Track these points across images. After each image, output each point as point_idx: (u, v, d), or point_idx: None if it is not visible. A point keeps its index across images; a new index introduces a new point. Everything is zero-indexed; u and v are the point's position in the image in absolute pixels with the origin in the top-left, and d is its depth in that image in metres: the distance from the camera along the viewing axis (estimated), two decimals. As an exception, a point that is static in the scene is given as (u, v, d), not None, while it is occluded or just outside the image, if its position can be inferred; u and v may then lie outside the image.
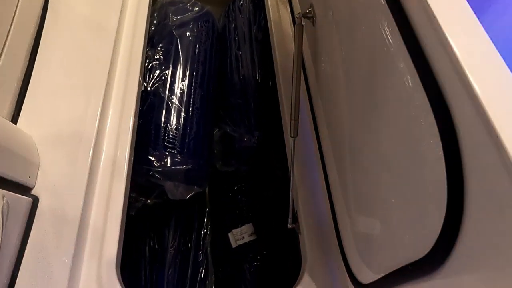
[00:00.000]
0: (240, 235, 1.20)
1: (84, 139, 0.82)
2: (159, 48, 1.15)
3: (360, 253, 0.61)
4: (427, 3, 0.34)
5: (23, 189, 0.71)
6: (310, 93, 0.92)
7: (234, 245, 1.19)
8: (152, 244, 1.13)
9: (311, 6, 0.82)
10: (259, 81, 1.20)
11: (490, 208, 0.29)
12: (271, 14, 1.22)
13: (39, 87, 0.86)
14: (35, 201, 0.72)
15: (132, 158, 0.90)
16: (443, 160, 0.31)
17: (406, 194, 0.41)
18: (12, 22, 0.84)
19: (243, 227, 1.21)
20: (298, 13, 0.80)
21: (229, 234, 1.21)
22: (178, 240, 1.14)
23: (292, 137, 0.84)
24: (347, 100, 0.72)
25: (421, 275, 0.37)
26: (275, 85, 1.14)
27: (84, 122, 0.84)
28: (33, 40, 0.92)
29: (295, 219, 0.88)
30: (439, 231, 0.32)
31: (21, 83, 0.86)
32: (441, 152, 0.31)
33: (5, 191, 0.62)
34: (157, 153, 0.98)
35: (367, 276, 0.57)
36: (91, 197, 0.79)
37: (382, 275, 0.48)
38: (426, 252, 0.36)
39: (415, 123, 0.39)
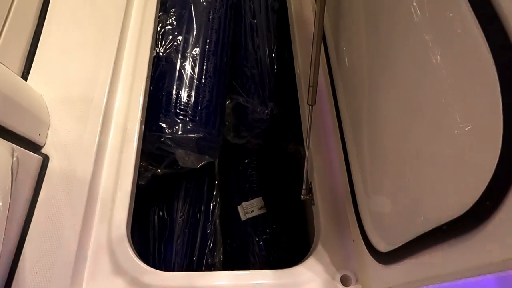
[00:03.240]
0: (250, 208, 1.19)
1: (95, 101, 0.80)
2: (172, 13, 1.11)
3: (382, 221, 0.58)
4: None
5: (33, 146, 0.69)
6: (329, 60, 0.88)
7: (243, 218, 1.18)
8: (161, 214, 1.12)
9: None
10: (274, 51, 1.16)
11: None
12: (289, -19, 1.16)
13: (49, 45, 0.83)
14: (45, 159, 0.71)
15: (143, 124, 0.88)
16: (498, 89, 0.28)
17: (445, 140, 0.38)
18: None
19: (253, 200, 1.20)
20: (322, -28, 0.75)
21: (239, 207, 1.19)
22: (187, 211, 1.13)
23: (309, 105, 0.81)
24: (368, 65, 0.68)
25: (458, 235, 0.35)
26: (291, 57, 1.10)
27: (95, 84, 0.82)
28: (43, -3, 0.89)
29: (309, 190, 0.85)
30: (488, 180, 0.29)
31: (31, 40, 0.83)
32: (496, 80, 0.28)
33: (15, 146, 0.61)
34: (168, 120, 0.95)
35: (387, 244, 0.55)
36: (101, 159, 0.77)
37: (408, 240, 0.46)
38: (467, 208, 0.33)
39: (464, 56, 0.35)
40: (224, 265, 1.13)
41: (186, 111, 0.98)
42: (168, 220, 1.11)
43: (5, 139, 0.58)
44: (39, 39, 0.84)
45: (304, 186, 0.85)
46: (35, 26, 0.85)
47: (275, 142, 1.20)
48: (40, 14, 0.87)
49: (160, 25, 1.09)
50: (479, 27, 0.32)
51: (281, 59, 1.14)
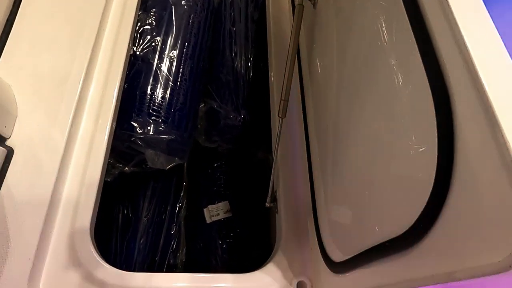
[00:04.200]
0: (215, 212, 1.21)
1: (66, 96, 0.79)
2: (152, 13, 1.11)
3: (336, 233, 0.63)
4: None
5: (-1, 140, 0.68)
6: (302, 75, 0.92)
7: (208, 220, 1.20)
8: (126, 212, 1.12)
9: (314, -13, 0.81)
10: (251, 60, 1.19)
11: (473, 193, 0.30)
12: (269, -7, 1.20)
13: (22, 36, 0.82)
14: (10, 152, 0.69)
15: (115, 122, 0.88)
16: (435, 139, 0.32)
17: (391, 172, 0.42)
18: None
19: (219, 204, 1.22)
20: (300, -7, 0.79)
21: (205, 209, 1.21)
22: (153, 211, 1.13)
23: (280, 117, 0.84)
24: (336, 84, 0.73)
25: (397, 251, 0.39)
26: (266, 67, 1.14)
27: (67, 78, 0.81)
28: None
29: (274, 199, 0.89)
30: (421, 209, 0.34)
31: (2, 28, 0.81)
32: (435, 131, 0.32)
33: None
34: (140, 119, 0.96)
35: (339, 254, 0.59)
36: (69, 155, 0.76)
37: (358, 252, 0.50)
38: (405, 229, 0.37)
39: (408, 100, 0.40)
40: (186, 266, 1.14)
41: (159, 112, 0.99)
42: (132, 219, 1.10)
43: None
44: (11, 28, 0.82)
45: (269, 194, 0.88)
46: (8, 14, 0.84)
47: (245, 148, 1.23)
48: (14, 3, 0.86)
49: (139, 24, 1.09)
50: (421, 60, 0.37)
51: (256, 69, 1.18)
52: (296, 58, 0.88)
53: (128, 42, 0.98)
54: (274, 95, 0.98)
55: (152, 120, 0.98)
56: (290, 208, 0.85)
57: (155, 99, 1.00)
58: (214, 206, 1.21)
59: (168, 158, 1.01)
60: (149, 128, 0.96)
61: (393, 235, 0.41)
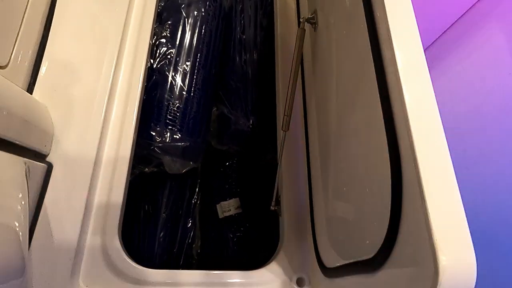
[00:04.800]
0: (227, 208, 1.32)
1: (94, 113, 0.90)
2: (167, 26, 1.19)
3: (327, 240, 0.72)
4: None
5: (39, 156, 0.80)
6: (305, 91, 1.00)
7: (221, 216, 1.31)
8: (146, 208, 1.24)
9: (315, 12, 0.87)
10: (260, 68, 1.27)
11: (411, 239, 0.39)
12: (278, 4, 1.26)
13: (53, 58, 0.92)
14: (50, 167, 0.81)
15: (136, 132, 0.98)
16: (389, 180, 0.41)
17: (363, 201, 0.51)
18: (31, -5, 0.88)
19: (231, 200, 1.33)
20: (302, 18, 0.86)
21: (217, 205, 1.32)
22: (171, 207, 1.25)
23: (283, 131, 0.93)
24: (332, 105, 0.80)
25: (366, 272, 0.49)
26: (274, 73, 1.22)
27: (94, 96, 0.91)
28: (47, 10, 0.96)
29: (278, 202, 0.99)
30: (382, 241, 0.43)
31: (36, 53, 0.91)
32: (388, 171, 0.41)
33: (26, 159, 0.71)
34: (158, 129, 1.06)
35: (329, 261, 0.69)
36: (98, 168, 0.88)
37: (341, 264, 0.60)
38: (372, 255, 0.47)
39: (372, 142, 0.49)
40: (201, 257, 1.27)
41: (174, 121, 1.09)
42: (153, 215, 1.23)
43: (18, 154, 0.69)
44: (43, 52, 0.92)
45: (273, 198, 0.98)
46: (40, 38, 0.94)
47: (254, 150, 1.32)
48: (45, 26, 0.95)
49: (155, 36, 1.18)
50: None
51: (265, 75, 1.25)
52: (300, 74, 0.95)
53: (145, 56, 1.07)
54: (280, 108, 1.06)
55: (168, 129, 1.08)
56: (291, 213, 0.95)
57: (171, 109, 1.10)
58: (226, 202, 1.32)
59: (184, 162, 1.12)
60: (166, 136, 1.07)
61: (365, 257, 0.50)
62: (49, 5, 0.96)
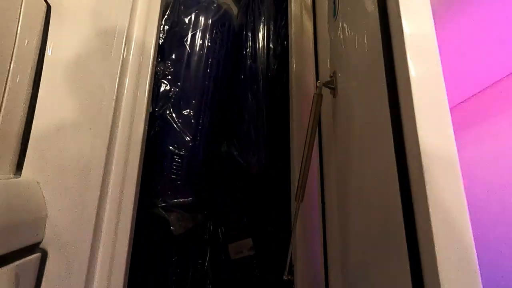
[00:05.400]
0: (239, 248, 1.26)
1: (91, 183, 0.82)
2: (169, 63, 1.08)
3: None
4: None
5: (32, 247, 0.74)
6: (322, 157, 0.88)
7: (233, 257, 1.26)
8: (156, 250, 1.20)
9: (334, 74, 0.74)
10: (273, 105, 1.15)
11: None
12: (293, 29, 1.11)
13: (43, 127, 0.84)
14: (44, 254, 0.75)
15: (137, 200, 0.91)
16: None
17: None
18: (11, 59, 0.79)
19: (244, 241, 1.27)
20: (319, 82, 0.73)
21: (229, 245, 1.26)
22: (182, 250, 1.20)
23: (297, 202, 0.84)
24: (356, 175, 0.70)
25: None
26: (287, 109, 1.09)
27: (90, 167, 0.84)
28: (35, 66, 0.87)
29: (291, 272, 0.91)
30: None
31: (24, 122, 0.83)
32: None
33: (16, 263, 0.65)
34: (162, 185, 0.99)
35: None
36: (97, 246, 0.82)
37: None
38: None
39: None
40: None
41: (179, 174, 1.01)
42: (161, 260, 1.18)
43: (5, 264, 0.63)
44: (33, 117, 0.84)
45: (286, 268, 0.91)
46: (29, 98, 0.85)
47: (268, 190, 1.23)
48: (34, 85, 0.87)
49: (156, 74, 1.07)
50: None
51: (279, 116, 1.13)
52: (316, 140, 0.84)
53: (146, 103, 0.97)
54: (294, 177, 0.95)
55: (173, 183, 1.00)
56: (306, 283, 0.88)
57: (175, 161, 1.01)
58: (238, 243, 1.26)
59: (190, 217, 1.05)
60: (170, 192, 0.99)
61: None
62: (36, 60, 0.87)
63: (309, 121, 0.76)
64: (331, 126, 0.80)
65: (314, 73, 0.99)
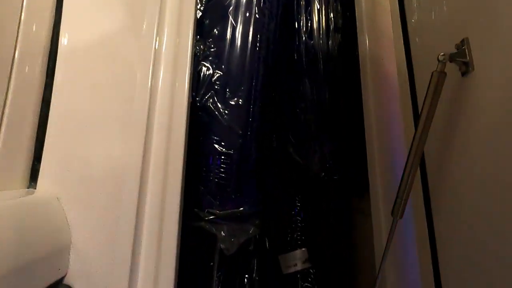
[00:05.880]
0: (292, 261, 1.07)
1: (124, 198, 0.64)
2: (210, 40, 0.87)
3: None
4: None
5: (54, 285, 0.56)
6: (425, 163, 0.67)
7: (284, 271, 1.07)
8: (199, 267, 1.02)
9: (465, 42, 0.52)
10: (340, 91, 0.93)
11: None
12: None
13: (61, 126, 0.65)
14: (69, 292, 0.58)
15: (181, 218, 0.71)
16: None
17: None
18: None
19: (296, 251, 1.07)
20: (442, 54, 0.51)
21: (280, 257, 1.08)
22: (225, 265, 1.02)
23: (394, 218, 0.63)
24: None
25: None
26: (359, 97, 0.87)
27: (122, 172, 0.65)
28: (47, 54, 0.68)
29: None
30: None
31: (37, 121, 0.65)
32: None
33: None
34: (208, 194, 0.79)
35: None
36: (135, 278, 0.63)
37: None
38: None
39: None
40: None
41: (228, 179, 0.81)
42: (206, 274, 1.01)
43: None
44: (49, 105, 0.66)
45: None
46: (42, 93, 0.66)
47: (327, 192, 1.02)
48: (47, 77, 0.67)
49: (196, 56, 0.86)
50: None
51: (347, 106, 0.92)
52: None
53: (186, 92, 0.77)
54: (376, 168, 0.74)
55: (221, 190, 0.80)
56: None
57: (222, 163, 0.81)
58: (290, 254, 1.07)
59: (243, 230, 0.85)
60: (218, 202, 0.80)
61: None
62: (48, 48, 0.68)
63: (423, 112, 0.54)
64: (453, 120, 0.58)
65: (402, 50, 0.76)
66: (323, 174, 0.88)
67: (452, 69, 0.54)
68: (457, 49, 0.53)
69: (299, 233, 1.07)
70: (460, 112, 0.56)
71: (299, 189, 0.96)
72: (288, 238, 1.07)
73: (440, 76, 0.52)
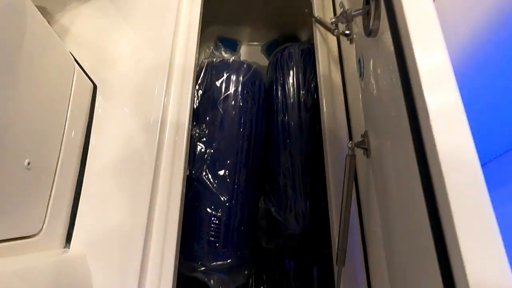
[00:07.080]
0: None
1: (133, 252, 0.85)
2: (203, 127, 1.12)
3: None
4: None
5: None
6: (362, 216, 0.84)
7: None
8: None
9: (365, 134, 0.72)
10: (308, 159, 1.13)
11: None
12: (321, 80, 1.11)
13: (89, 201, 0.89)
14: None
15: (177, 269, 0.91)
16: None
17: None
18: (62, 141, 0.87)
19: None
20: (350, 142, 0.71)
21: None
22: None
23: (337, 266, 0.79)
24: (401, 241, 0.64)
25: None
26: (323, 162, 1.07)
27: (132, 237, 0.87)
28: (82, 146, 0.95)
29: None
30: None
31: (71, 202, 0.89)
32: None
33: None
34: (201, 248, 0.99)
35: None
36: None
37: None
38: None
39: None
40: None
41: (217, 236, 1.01)
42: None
43: None
44: (80, 189, 0.91)
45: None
46: (77, 174, 0.92)
47: (311, 246, 1.18)
48: (81, 162, 0.94)
49: (192, 137, 1.11)
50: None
51: (314, 168, 1.11)
52: (353, 202, 0.80)
53: (183, 166, 1.00)
54: (334, 238, 0.91)
55: (211, 246, 1.00)
56: None
57: (212, 223, 1.02)
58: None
59: (231, 280, 1.03)
60: (209, 255, 0.99)
61: None
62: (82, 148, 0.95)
63: (344, 182, 0.73)
64: (369, 185, 0.76)
65: (347, 130, 0.97)
66: (297, 229, 1.05)
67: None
68: (362, 138, 0.73)
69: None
70: (373, 182, 0.74)
71: (282, 244, 1.13)
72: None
73: (351, 158, 0.72)
